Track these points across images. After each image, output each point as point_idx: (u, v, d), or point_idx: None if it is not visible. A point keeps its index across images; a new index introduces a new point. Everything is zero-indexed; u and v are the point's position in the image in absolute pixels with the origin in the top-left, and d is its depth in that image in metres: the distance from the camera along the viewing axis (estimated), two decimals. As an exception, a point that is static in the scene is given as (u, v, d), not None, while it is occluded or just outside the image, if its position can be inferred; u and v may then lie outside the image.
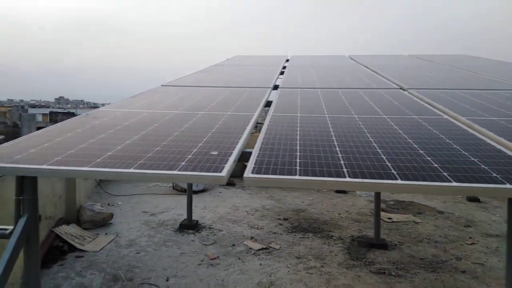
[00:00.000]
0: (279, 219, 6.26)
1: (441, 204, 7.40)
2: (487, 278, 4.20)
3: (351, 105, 3.10)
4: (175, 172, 1.63)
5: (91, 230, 5.48)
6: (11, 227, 2.42)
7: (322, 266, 4.45)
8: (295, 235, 5.48)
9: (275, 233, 5.58)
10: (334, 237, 5.43)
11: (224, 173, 1.62)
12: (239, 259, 4.61)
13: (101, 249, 4.77)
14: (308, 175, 1.59)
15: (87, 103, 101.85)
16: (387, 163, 1.75)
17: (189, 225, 5.64)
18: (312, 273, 4.25)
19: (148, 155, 1.88)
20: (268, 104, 3.25)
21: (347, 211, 6.82)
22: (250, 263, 4.51)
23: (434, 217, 6.57)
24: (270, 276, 4.18)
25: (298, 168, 1.68)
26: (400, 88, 4.07)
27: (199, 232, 5.52)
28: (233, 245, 5.07)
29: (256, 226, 5.83)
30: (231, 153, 1.88)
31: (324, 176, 1.58)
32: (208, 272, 4.24)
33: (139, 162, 1.76)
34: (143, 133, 2.29)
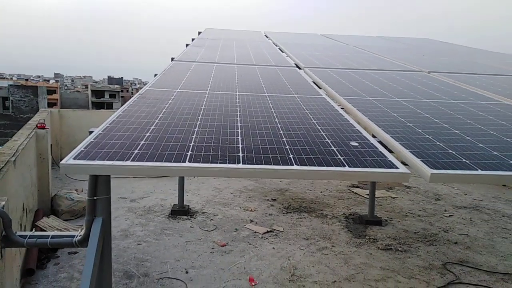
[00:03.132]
0: (268, 200, 6.19)
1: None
2: (476, 247, 4.64)
3: (239, 82, 3.03)
4: (352, 169, 1.44)
5: (71, 221, 4.87)
6: (74, 233, 2.01)
7: (333, 246, 4.51)
8: (291, 216, 5.47)
9: (270, 214, 5.51)
10: (328, 216, 5.54)
11: (403, 168, 1.47)
12: (249, 244, 4.47)
13: (94, 243, 4.25)
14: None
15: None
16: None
17: (182, 211, 5.30)
18: (327, 254, 4.29)
19: (288, 147, 1.64)
20: (316, 85, 3.09)
21: (326, 189, 7.00)
22: (262, 247, 4.40)
23: (405, 192, 7.06)
24: (289, 259, 4.12)
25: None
26: (297, 66, 4.09)
27: (194, 218, 5.23)
28: (236, 229, 4.89)
29: (250, 209, 5.70)
30: (372, 144, 1.73)
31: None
32: (225, 260, 4.04)
33: (283, 156, 1.53)
34: (226, 119, 2.00)
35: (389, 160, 1.56)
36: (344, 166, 1.48)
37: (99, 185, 1.84)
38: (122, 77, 79.43)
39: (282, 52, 5.14)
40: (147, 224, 4.93)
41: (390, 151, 1.74)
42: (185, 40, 6.00)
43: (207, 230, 4.81)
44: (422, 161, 1.57)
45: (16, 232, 1.92)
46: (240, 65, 3.69)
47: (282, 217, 5.43)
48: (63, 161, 1.36)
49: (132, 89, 70.22)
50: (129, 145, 1.58)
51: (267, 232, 4.84)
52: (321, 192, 6.81)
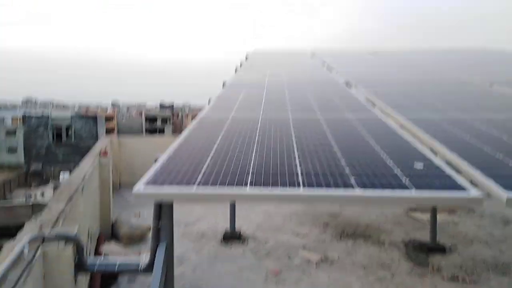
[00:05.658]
0: (320, 224, 6.04)
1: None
2: (559, 279, 4.15)
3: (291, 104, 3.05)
4: (421, 194, 1.38)
5: (129, 247, 5.07)
6: (139, 260, 2.09)
7: (393, 276, 4.27)
8: (346, 242, 5.28)
9: (324, 241, 5.36)
10: (386, 243, 5.27)
11: (475, 191, 1.39)
12: (303, 273, 4.35)
13: (152, 268, 4.38)
14: None
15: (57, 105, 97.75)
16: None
17: (234, 236, 5.32)
18: (387, 285, 4.06)
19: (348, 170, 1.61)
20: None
21: (382, 213, 6.69)
22: (317, 276, 4.27)
23: (468, 215, 6.55)
24: (346, 289, 3.95)
25: None
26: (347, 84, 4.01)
27: (246, 244, 5.21)
28: (289, 257, 4.80)
29: (302, 234, 5.59)
30: (439, 166, 1.65)
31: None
32: (279, 289, 3.96)
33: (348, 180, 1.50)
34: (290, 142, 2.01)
35: (459, 183, 1.48)
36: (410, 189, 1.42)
37: (163, 212, 1.91)
38: (173, 105, 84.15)
39: (330, 71, 5.15)
40: (201, 250, 5.00)
41: (458, 172, 1.65)
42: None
43: (259, 257, 4.77)
44: (496, 182, 1.46)
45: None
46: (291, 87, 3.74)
47: (336, 243, 5.26)
48: (135, 189, 1.44)
49: (181, 115, 73.91)
50: (193, 171, 1.64)
51: (321, 259, 4.70)
52: (376, 216, 6.52)
